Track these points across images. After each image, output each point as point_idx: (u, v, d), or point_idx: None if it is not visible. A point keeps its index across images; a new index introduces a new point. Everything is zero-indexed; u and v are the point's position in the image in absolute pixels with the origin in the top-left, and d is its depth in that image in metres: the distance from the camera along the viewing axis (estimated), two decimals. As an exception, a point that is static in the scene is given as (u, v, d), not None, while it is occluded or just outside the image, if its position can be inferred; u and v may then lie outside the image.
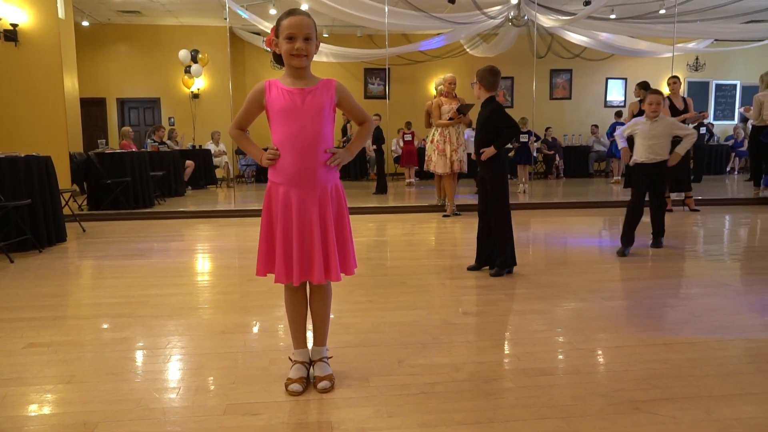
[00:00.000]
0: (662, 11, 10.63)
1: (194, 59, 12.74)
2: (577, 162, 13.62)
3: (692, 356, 2.54)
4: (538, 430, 1.89)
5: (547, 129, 13.34)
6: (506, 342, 2.77)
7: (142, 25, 12.80)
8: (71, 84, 8.33)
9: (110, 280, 4.17)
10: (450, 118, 6.98)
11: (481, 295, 3.64)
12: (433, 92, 8.72)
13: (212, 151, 12.10)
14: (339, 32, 12.92)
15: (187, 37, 12.87)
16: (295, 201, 2.11)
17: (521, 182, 9.73)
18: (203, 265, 4.84)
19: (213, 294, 3.78)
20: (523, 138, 9.64)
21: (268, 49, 2.21)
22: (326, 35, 12.71)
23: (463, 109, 6.89)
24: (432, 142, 7.21)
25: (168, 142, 10.86)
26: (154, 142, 10.29)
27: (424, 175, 12.27)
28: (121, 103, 13.36)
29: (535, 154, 12.32)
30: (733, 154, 13.83)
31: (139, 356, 2.61)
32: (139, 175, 8.04)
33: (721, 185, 11.07)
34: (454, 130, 6.99)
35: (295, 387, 2.16)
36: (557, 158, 13.39)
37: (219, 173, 12.34)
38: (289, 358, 2.30)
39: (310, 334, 2.38)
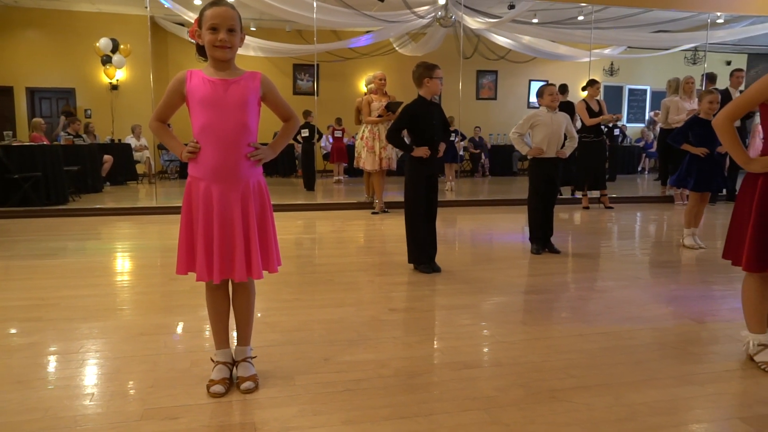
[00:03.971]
0: (581, 18, 11.14)
1: (115, 49, 12.13)
2: (502, 161, 14.05)
3: (605, 346, 2.68)
4: (461, 422, 1.94)
5: (475, 128, 13.68)
6: (432, 337, 2.81)
7: (54, 9, 12.04)
8: (-27, 71, 7.72)
9: (18, 282, 3.90)
10: (379, 115, 7.01)
11: (409, 292, 3.68)
12: (363, 89, 8.73)
13: (133, 146, 11.58)
14: (267, 26, 12.69)
15: (105, 24, 12.22)
16: (217, 197, 2.06)
17: (448, 180, 9.91)
18: (122, 264, 4.62)
19: (132, 294, 3.62)
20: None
21: (192, 40, 2.13)
22: (254, 29, 12.44)
23: (392, 107, 6.94)
24: (362, 139, 7.22)
25: (84, 135, 10.29)
26: (69, 135, 9.72)
27: (354, 172, 12.27)
28: (31, 92, 12.52)
29: (461, 152, 12.62)
30: (644, 155, 14.69)
31: (49, 362, 2.46)
32: (52, 170, 7.58)
33: (633, 184, 11.75)
34: (383, 127, 7.02)
35: (218, 388, 2.10)
36: (483, 157, 13.76)
37: (140, 169, 11.82)
38: (212, 359, 2.24)
39: (235, 334, 2.32)
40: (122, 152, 11.17)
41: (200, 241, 2.06)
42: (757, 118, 7.76)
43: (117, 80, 12.59)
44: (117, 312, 3.19)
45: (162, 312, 3.19)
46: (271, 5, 9.25)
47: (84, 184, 9.15)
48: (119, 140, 11.74)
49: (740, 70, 8.14)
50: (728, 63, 14.48)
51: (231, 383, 2.19)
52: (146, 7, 8.79)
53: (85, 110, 12.59)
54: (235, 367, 2.24)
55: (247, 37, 9.84)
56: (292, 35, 13.05)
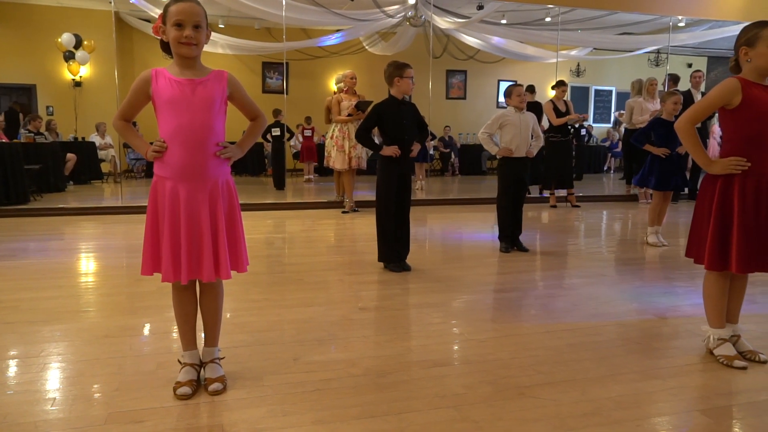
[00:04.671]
0: (548, 19, 11.30)
1: (79, 45, 11.81)
2: (472, 160, 14.17)
3: (571, 342, 2.73)
4: (431, 420, 1.95)
5: (445, 127, 13.77)
6: (402, 335, 2.82)
7: (14, 3, 11.66)
8: (-73, 66, 7.44)
9: (-25, 284, 3.78)
10: (349, 114, 7.00)
11: (379, 291, 3.69)
12: (333, 88, 8.70)
13: (97, 144, 11.31)
14: (236, 23, 12.53)
15: (68, 20, 11.90)
16: (184, 196, 2.03)
17: (418, 179, 9.95)
18: (86, 265, 4.51)
19: (96, 296, 3.54)
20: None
21: (157, 36, 2.10)
22: (222, 26, 12.27)
23: (361, 106, 6.94)
24: (332, 138, 7.20)
25: (45, 133, 10.01)
26: (29, 132, 9.44)
27: (324, 171, 12.23)
28: (-11, 88, 12.12)
29: (431, 152, 12.69)
30: (610, 155, 15.00)
31: (9, 366, 2.39)
32: (12, 168, 7.35)
33: (599, 183, 11.98)
34: (353, 126, 7.01)
35: (184, 390, 2.07)
36: (453, 156, 13.85)
37: (105, 167, 11.56)
38: (179, 361, 2.21)
39: (203, 335, 2.29)
40: (86, 150, 10.90)
41: (167, 241, 2.03)
42: (715, 119, 8.02)
43: (80, 77, 12.28)
44: (80, 314, 3.12)
45: (128, 313, 3.13)
46: (239, 2, 9.14)
47: (46, 183, 8.91)
48: (83, 138, 11.47)
49: (698, 71, 8.37)
50: (689, 65, 14.87)
51: (198, 385, 2.16)
52: (110, 2, 8.60)
53: (47, 107, 12.25)
54: (202, 369, 2.21)
55: (215, 34, 9.57)
56: (261, 33, 12.92)
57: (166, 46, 2.07)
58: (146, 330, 2.88)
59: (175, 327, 2.27)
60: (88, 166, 10.88)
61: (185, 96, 2.01)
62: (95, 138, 11.44)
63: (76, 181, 10.51)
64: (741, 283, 2.57)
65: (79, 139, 11.31)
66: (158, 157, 2.04)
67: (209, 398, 2.08)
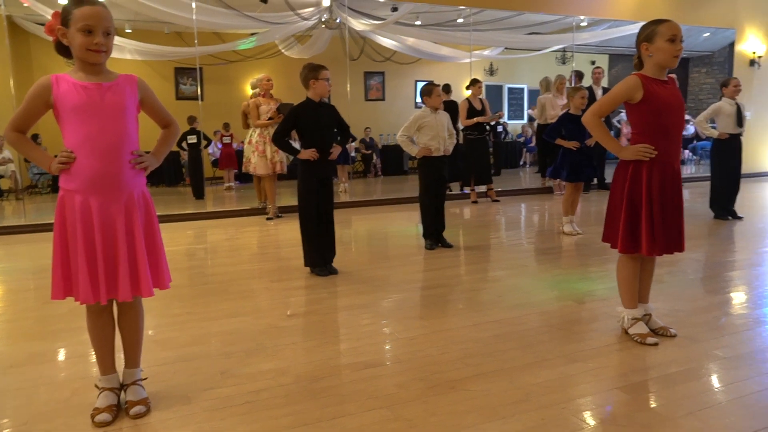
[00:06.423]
0: (460, 20, 11.58)
1: (-36, 52, 10.91)
2: (393, 160, 14.31)
3: (498, 333, 2.80)
4: (364, 422, 1.94)
5: (366, 129, 13.83)
6: (332, 339, 2.80)
7: None
8: None
9: None
10: (270, 118, 6.89)
11: (307, 296, 3.64)
12: (249, 92, 8.53)
13: (-6, 159, 10.50)
14: (144, 27, 11.99)
15: (-47, 26, 10.96)
16: (97, 210, 1.90)
17: (342, 182, 9.93)
18: (-14, 290, 4.17)
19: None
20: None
21: (50, 37, 1.95)
22: (129, 30, 11.72)
23: (283, 109, 6.84)
24: (250, 143, 7.05)
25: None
26: None
27: (245, 178, 11.96)
28: None
29: (353, 153, 12.72)
30: (525, 150, 15.60)
31: None
32: None
33: (516, 177, 12.44)
34: (273, 130, 6.89)
35: (103, 417, 1.95)
36: (374, 157, 13.94)
37: (5, 184, 10.74)
38: (96, 386, 2.08)
39: (122, 356, 2.17)
40: (-19, 167, 10.09)
41: (82, 260, 1.89)
42: (624, 115, 8.51)
43: (-29, 87, 11.35)
44: (-18, 344, 2.87)
45: (36, 339, 2.91)
46: (146, 5, 8.76)
47: (-64, 204, 8.17)
48: (-23, 153, 10.61)
49: (599, 67, 8.87)
50: (593, 63, 15.68)
51: (119, 410, 2.04)
52: (1, 5, 8.00)
53: (-66, 121, 11.24)
54: (123, 392, 2.09)
55: (123, 39, 9.17)
56: (171, 37, 12.45)
57: (63, 49, 1.94)
58: (59, 355, 2.69)
59: (92, 350, 2.13)
60: (-16, 183, 10.09)
61: (93, 102, 1.88)
62: (-9, 153, 10.62)
63: (-29, 200, 9.72)
64: (650, 266, 2.73)
65: (-27, 155, 10.45)
66: (65, 169, 1.91)
67: (132, 422, 1.97)
